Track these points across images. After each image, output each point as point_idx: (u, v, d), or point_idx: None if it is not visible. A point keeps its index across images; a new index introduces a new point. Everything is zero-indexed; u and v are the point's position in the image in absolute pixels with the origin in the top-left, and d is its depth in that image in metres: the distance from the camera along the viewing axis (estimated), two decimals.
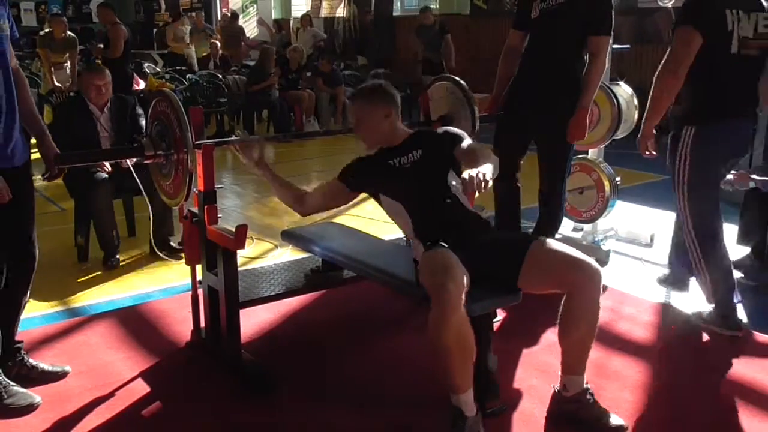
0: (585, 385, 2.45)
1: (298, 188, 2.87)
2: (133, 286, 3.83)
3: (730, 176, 3.69)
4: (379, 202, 2.75)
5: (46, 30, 8.54)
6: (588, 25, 3.43)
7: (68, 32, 8.36)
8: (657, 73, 3.11)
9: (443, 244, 2.39)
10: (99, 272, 4.04)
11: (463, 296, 2.19)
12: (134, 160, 3.82)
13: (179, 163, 2.70)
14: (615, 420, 2.39)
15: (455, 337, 2.14)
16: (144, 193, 3.48)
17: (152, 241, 3.90)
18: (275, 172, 2.87)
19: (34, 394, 2.59)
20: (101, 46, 8.11)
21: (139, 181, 3.48)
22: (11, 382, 2.57)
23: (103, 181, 4.07)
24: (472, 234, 2.56)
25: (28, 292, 2.65)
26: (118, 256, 4.14)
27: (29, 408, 2.53)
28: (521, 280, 2.44)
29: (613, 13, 3.48)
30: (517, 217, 3.78)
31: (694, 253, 3.19)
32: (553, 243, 2.50)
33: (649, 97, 3.17)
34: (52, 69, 8.21)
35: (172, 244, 4.22)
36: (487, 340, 2.51)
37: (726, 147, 3.14)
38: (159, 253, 3.88)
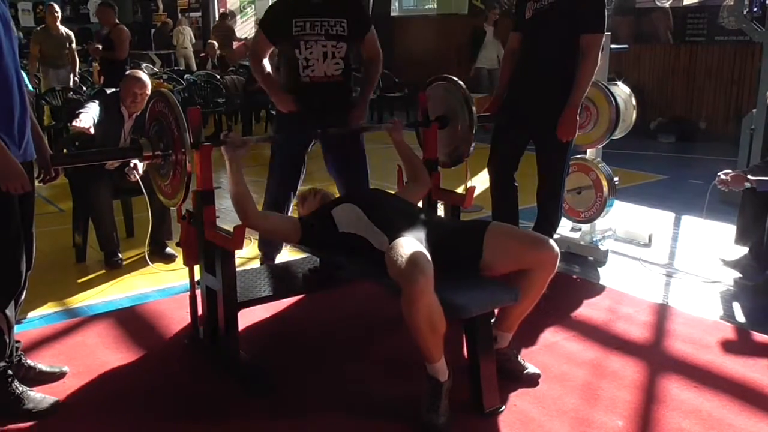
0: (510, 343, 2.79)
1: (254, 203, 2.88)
2: (131, 287, 3.83)
3: (724, 176, 3.69)
4: (334, 224, 2.83)
5: (42, 27, 8.42)
6: (580, 22, 3.43)
7: (64, 28, 8.15)
8: None
9: (405, 234, 2.52)
10: (97, 273, 4.04)
11: (432, 270, 2.31)
12: (140, 173, 3.85)
13: (177, 164, 2.70)
14: (532, 369, 2.77)
15: (426, 318, 2.30)
16: (145, 193, 3.51)
17: (147, 249, 3.93)
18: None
19: (55, 398, 2.58)
20: (99, 46, 8.04)
21: (145, 192, 3.61)
22: (26, 387, 2.57)
23: (107, 177, 4.06)
24: (426, 222, 2.72)
25: (24, 291, 2.64)
26: (120, 255, 4.14)
27: (52, 411, 2.52)
28: (483, 262, 2.60)
29: (605, 11, 3.48)
30: (515, 217, 3.79)
31: None
32: (508, 226, 2.76)
33: None
34: (49, 70, 8.11)
35: (168, 250, 4.22)
36: (487, 341, 2.52)
37: None
38: (150, 263, 3.94)
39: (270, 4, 3.84)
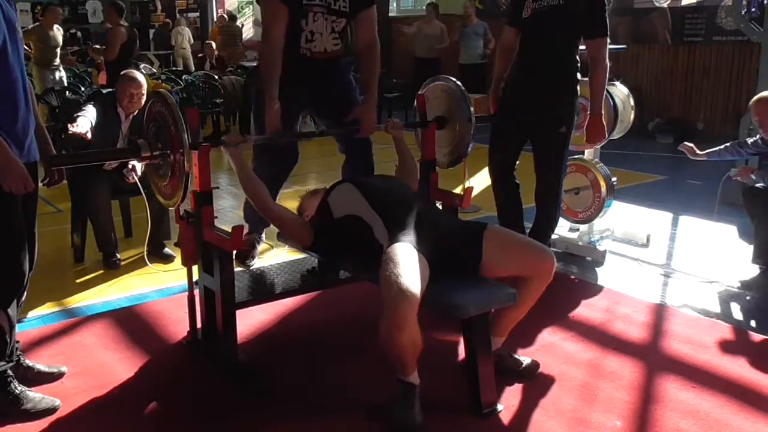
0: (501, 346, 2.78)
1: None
2: (129, 287, 3.83)
3: (733, 169, 3.71)
4: (330, 212, 2.82)
5: (35, 24, 8.35)
6: (584, 27, 3.43)
7: (57, 26, 8.03)
8: None
9: (404, 240, 2.45)
10: (95, 273, 4.04)
11: (420, 296, 2.26)
12: (138, 175, 3.84)
13: (175, 164, 2.70)
14: (528, 361, 2.78)
15: (409, 340, 2.27)
16: (143, 194, 3.51)
17: (146, 249, 3.94)
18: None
19: (54, 398, 2.58)
20: (97, 46, 8.04)
21: (144, 194, 3.61)
22: (25, 387, 2.56)
23: (106, 177, 4.06)
24: (425, 217, 2.65)
25: (25, 291, 2.64)
26: (118, 255, 4.14)
27: (50, 411, 2.52)
28: (482, 266, 2.58)
29: (606, 13, 3.48)
30: (520, 215, 3.76)
31: None
32: (506, 230, 2.73)
33: None
34: (44, 71, 8.07)
35: (166, 250, 4.22)
36: (485, 341, 2.52)
37: None
38: (149, 263, 3.94)
39: None
